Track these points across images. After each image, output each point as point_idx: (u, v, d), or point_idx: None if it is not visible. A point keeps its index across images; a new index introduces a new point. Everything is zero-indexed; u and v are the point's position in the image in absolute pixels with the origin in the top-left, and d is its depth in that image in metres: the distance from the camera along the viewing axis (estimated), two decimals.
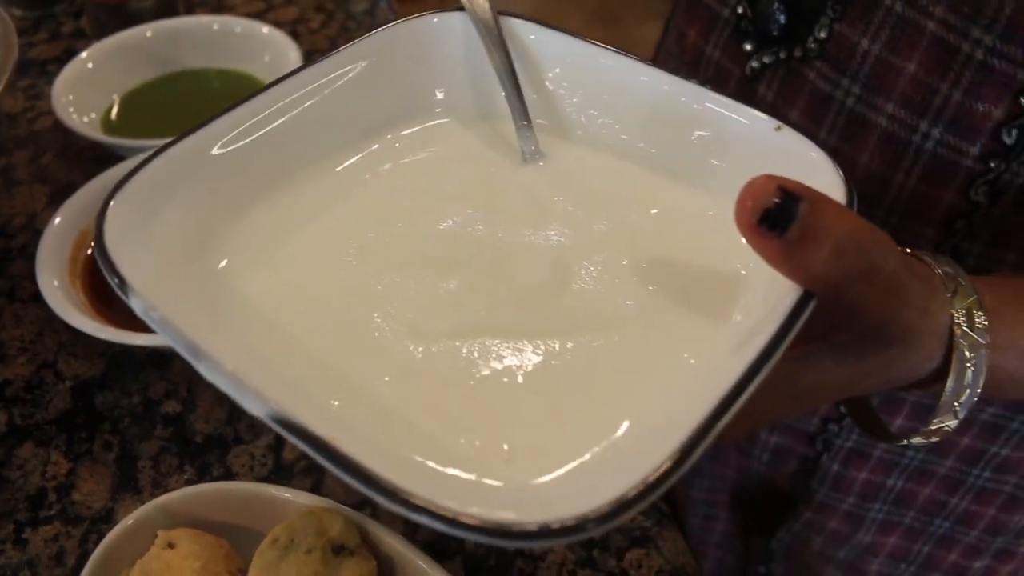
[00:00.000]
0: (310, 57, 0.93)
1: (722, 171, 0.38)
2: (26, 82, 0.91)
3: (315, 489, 0.55)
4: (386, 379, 0.32)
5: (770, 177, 0.28)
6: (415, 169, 0.41)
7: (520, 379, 0.32)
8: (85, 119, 0.80)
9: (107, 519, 0.54)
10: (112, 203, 0.32)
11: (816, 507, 0.67)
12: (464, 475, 0.28)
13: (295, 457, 0.57)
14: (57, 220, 0.65)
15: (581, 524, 0.23)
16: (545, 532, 0.23)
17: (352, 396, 0.31)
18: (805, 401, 0.35)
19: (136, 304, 0.29)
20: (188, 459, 0.57)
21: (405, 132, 0.43)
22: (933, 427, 0.36)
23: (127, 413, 0.59)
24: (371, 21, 1.02)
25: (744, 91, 0.55)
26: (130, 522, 0.47)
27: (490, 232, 0.38)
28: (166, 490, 0.51)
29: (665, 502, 0.55)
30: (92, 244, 0.67)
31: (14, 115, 0.87)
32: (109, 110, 0.83)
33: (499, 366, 0.32)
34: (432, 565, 0.45)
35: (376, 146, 0.42)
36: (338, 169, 0.40)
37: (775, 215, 0.28)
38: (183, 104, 0.85)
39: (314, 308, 0.35)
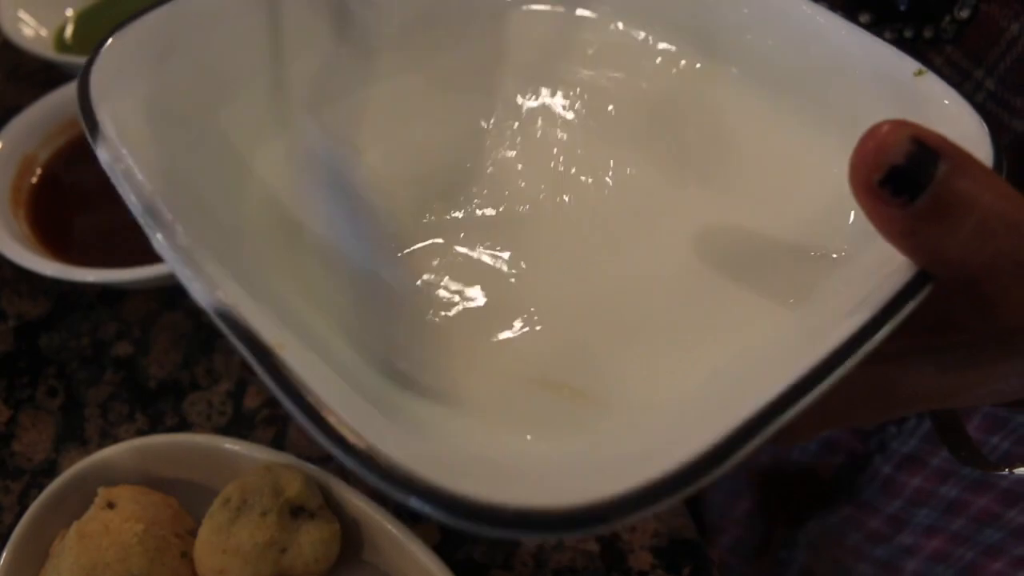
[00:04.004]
0: None
1: (840, 108, 0.30)
2: None
3: (276, 442, 0.50)
4: (386, 281, 0.27)
5: (902, 123, 0.21)
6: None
7: (543, 327, 0.27)
8: (36, 36, 0.74)
9: (50, 472, 0.49)
10: (122, 31, 0.28)
11: (858, 505, 0.63)
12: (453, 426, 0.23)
13: (257, 405, 0.52)
14: None
15: (595, 512, 0.18)
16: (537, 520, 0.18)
17: (338, 308, 0.27)
18: (892, 409, 0.28)
19: (102, 152, 0.25)
20: (140, 407, 0.52)
21: None
22: None
23: (74, 356, 0.54)
24: None
25: None
26: (66, 478, 0.42)
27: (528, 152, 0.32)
28: (115, 441, 0.46)
29: None
30: (38, 171, 0.61)
31: None
32: (63, 27, 0.77)
33: (516, 319, 0.28)
34: (403, 529, 0.40)
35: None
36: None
37: (904, 174, 0.21)
38: None
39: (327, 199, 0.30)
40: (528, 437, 0.24)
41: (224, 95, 0.30)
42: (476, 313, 0.28)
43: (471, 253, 0.30)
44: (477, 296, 0.29)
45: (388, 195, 0.31)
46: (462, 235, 0.30)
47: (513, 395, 0.25)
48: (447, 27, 0.34)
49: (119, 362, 0.54)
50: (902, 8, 0.43)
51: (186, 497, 0.44)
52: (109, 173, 0.24)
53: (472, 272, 0.29)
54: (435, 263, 0.29)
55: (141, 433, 0.51)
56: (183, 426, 0.51)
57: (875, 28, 0.44)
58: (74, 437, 0.51)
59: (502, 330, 0.27)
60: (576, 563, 0.46)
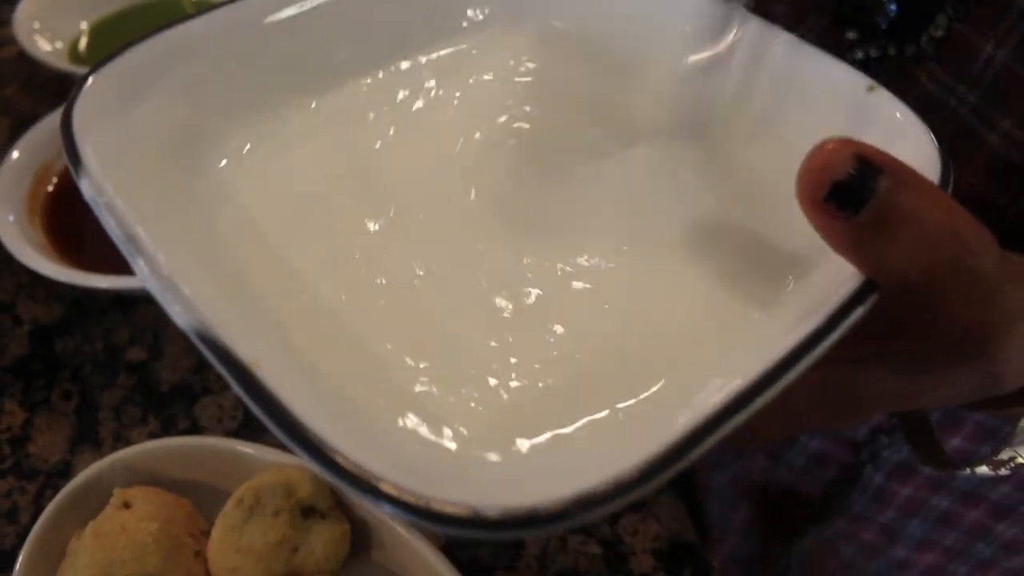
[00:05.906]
0: None
1: (795, 125, 0.32)
2: None
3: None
4: (367, 314, 0.27)
5: (846, 140, 0.22)
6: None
7: (521, 317, 0.27)
8: (51, 48, 0.75)
9: (64, 473, 0.50)
10: (104, 67, 0.28)
11: (851, 517, 0.63)
12: (435, 440, 0.23)
13: None
14: (15, 154, 0.61)
15: (564, 511, 0.19)
16: (521, 520, 0.19)
17: (321, 330, 0.26)
18: (855, 412, 0.29)
19: (85, 186, 0.25)
20: (152, 410, 0.53)
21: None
22: (1005, 456, 0.31)
23: (88, 360, 0.55)
24: None
25: None
26: (83, 479, 0.43)
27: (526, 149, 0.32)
28: (128, 443, 0.47)
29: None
30: (54, 180, 0.62)
31: None
32: (77, 40, 0.78)
33: (501, 302, 0.28)
34: (411, 530, 0.41)
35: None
36: (366, 82, 0.34)
37: (847, 190, 0.22)
38: None
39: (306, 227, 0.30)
40: (517, 445, 0.24)
41: (208, 127, 0.31)
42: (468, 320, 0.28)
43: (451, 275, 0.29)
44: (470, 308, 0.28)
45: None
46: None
47: (501, 410, 0.25)
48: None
49: (132, 366, 0.55)
50: (883, 27, 0.45)
51: (198, 499, 0.45)
52: (92, 206, 0.25)
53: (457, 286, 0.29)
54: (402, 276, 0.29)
55: (154, 436, 0.52)
56: (195, 429, 0.52)
57: (861, 45, 0.46)
58: (88, 439, 0.52)
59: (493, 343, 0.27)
60: (579, 565, 0.47)
